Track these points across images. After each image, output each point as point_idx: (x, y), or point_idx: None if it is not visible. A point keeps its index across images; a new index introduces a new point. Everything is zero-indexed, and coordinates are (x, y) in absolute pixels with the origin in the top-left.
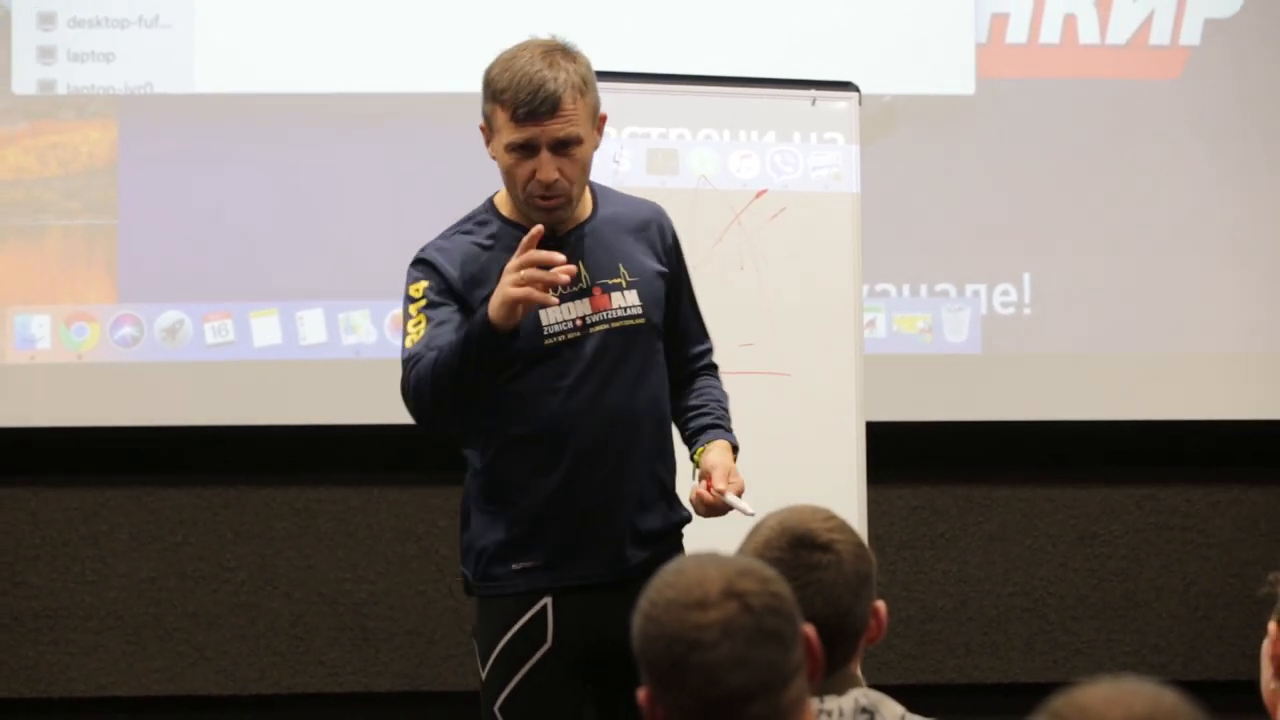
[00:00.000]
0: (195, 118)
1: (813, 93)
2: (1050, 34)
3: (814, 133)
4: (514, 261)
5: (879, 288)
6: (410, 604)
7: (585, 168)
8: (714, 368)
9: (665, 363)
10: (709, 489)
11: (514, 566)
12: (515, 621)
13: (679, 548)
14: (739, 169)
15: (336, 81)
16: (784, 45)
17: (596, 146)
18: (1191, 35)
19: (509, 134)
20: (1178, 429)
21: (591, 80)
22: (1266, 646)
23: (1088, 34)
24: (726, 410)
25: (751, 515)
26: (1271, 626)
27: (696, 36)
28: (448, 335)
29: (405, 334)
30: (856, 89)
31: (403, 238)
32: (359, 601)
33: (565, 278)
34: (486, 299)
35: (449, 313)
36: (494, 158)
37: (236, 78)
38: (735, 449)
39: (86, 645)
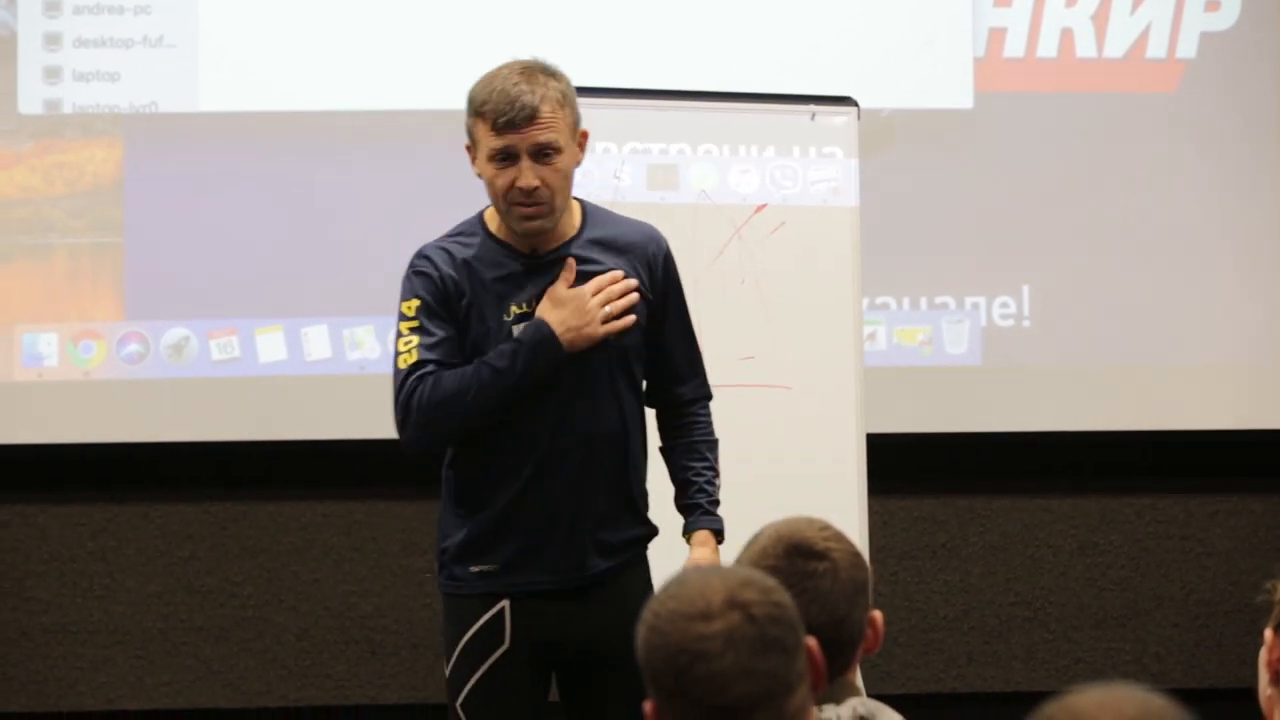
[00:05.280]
0: (200, 136)
1: (812, 107)
2: (1047, 48)
3: (813, 147)
4: (596, 299)
5: (879, 300)
6: (416, 616)
7: (567, 178)
8: (705, 402)
9: (645, 382)
10: None
11: (473, 569)
12: (474, 622)
13: (641, 559)
14: (739, 184)
15: (340, 99)
16: (783, 60)
17: (578, 162)
18: (1188, 49)
19: (489, 143)
20: (1177, 439)
21: (572, 97)
22: (1263, 654)
23: (1084, 48)
24: (715, 472)
25: None
26: (1268, 634)
27: (696, 53)
28: (446, 355)
29: (397, 353)
30: (855, 103)
31: (406, 253)
32: (365, 615)
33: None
34: (469, 310)
35: (441, 335)
36: (479, 175)
37: (241, 96)
38: (719, 533)
39: (95, 660)
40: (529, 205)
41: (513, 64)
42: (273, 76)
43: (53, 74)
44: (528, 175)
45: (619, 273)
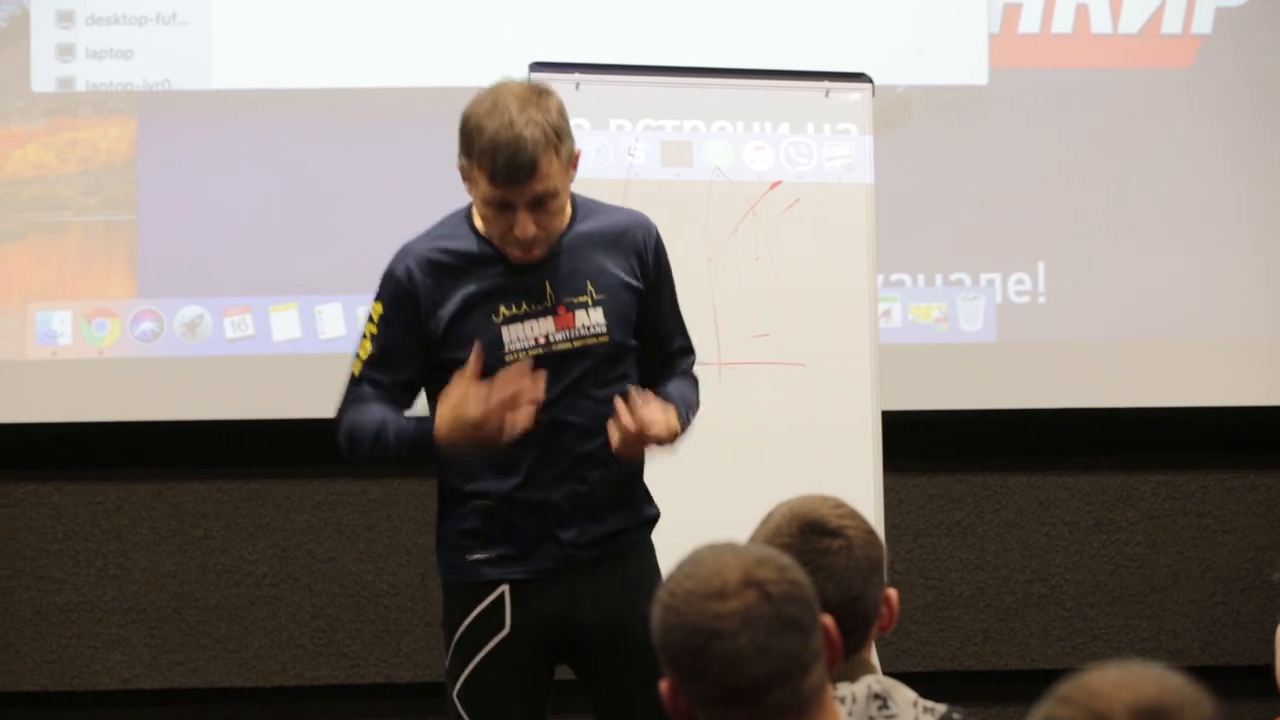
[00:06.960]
0: (213, 114)
1: (826, 84)
2: (1063, 24)
3: (828, 124)
4: (490, 405)
5: (894, 277)
6: (431, 595)
7: (562, 211)
8: (690, 354)
9: (637, 368)
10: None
11: (469, 558)
12: (473, 608)
13: (642, 543)
14: (753, 161)
15: (354, 77)
16: (797, 37)
17: (571, 181)
18: (1203, 24)
19: (486, 191)
20: (1193, 415)
21: (565, 127)
22: None
23: (1100, 24)
24: (686, 399)
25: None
26: None
27: (710, 29)
28: (387, 372)
29: (356, 355)
30: (870, 80)
31: (420, 232)
32: (380, 593)
33: (526, 421)
34: (449, 321)
35: (388, 351)
36: (470, 195)
37: (254, 74)
38: (682, 425)
39: (109, 639)
40: (524, 249)
41: (505, 96)
42: (286, 54)
43: (66, 51)
44: (525, 224)
45: (533, 375)
